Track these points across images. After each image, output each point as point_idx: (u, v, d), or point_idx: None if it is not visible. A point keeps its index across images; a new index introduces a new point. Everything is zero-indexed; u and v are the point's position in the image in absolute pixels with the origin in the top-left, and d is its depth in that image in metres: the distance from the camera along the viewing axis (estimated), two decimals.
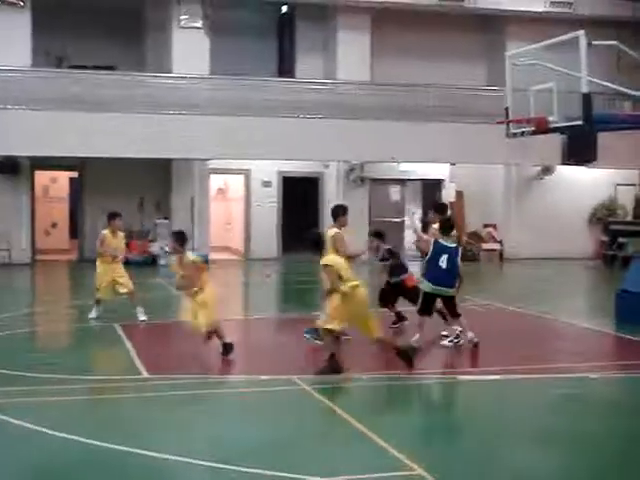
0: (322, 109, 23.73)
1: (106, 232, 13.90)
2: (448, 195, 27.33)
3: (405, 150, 24.19)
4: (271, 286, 21.03)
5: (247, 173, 26.57)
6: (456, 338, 11.46)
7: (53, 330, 13.74)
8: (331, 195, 26.56)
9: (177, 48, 24.29)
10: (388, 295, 13.03)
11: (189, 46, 24.14)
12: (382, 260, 13.07)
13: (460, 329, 11.41)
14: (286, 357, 11.06)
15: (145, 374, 9.72)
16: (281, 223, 26.76)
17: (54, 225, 28.04)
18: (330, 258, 9.67)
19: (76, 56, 24.78)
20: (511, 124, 14.85)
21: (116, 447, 6.90)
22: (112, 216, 14.06)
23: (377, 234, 13.37)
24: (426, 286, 11.21)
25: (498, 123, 15.58)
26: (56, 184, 28.13)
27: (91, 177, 24.98)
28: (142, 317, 13.42)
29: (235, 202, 28.19)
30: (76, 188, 26.51)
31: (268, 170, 26.36)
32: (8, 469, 6.63)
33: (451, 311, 11.26)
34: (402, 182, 27.79)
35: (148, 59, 25.69)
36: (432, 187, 27.70)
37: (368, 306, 9.80)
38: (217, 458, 6.61)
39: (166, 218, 24.85)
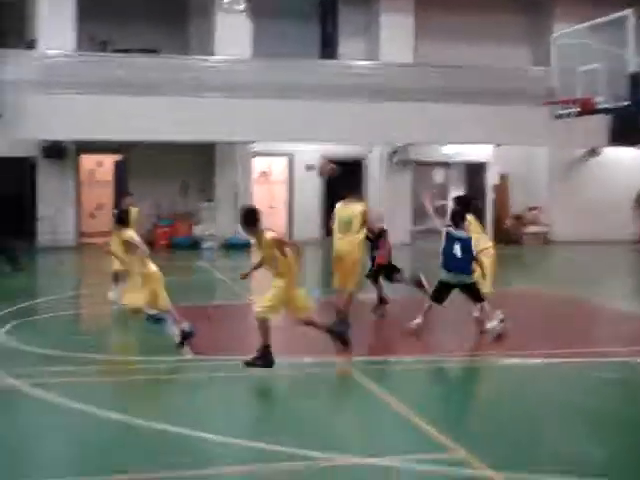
0: (365, 92, 23.64)
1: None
2: (492, 178, 27.12)
3: (448, 132, 24.03)
4: (312, 269, 21.03)
5: (290, 156, 26.58)
6: (501, 322, 11.35)
7: (98, 312, 13.90)
8: (374, 178, 26.53)
9: (220, 31, 24.33)
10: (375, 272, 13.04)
11: (232, 29, 24.18)
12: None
13: (500, 314, 11.30)
14: (328, 339, 11.06)
15: (189, 355, 9.80)
16: (324, 206, 26.73)
17: (99, 208, 28.29)
18: (271, 234, 8.90)
19: (120, 40, 24.94)
20: (557, 105, 14.67)
21: (160, 426, 6.97)
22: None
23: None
24: (442, 275, 11.06)
25: (544, 104, 15.41)
26: (102, 168, 28.36)
27: (136, 160, 25.17)
28: (112, 296, 13.50)
29: (278, 185, 28.23)
30: (120, 171, 26.70)
31: (311, 153, 26.32)
32: (54, 447, 6.74)
33: (474, 297, 11.12)
34: (446, 165, 27.63)
35: (191, 43, 25.78)
36: (476, 169, 27.50)
37: (296, 287, 9.10)
38: (259, 438, 6.64)
39: (210, 201, 24.99)
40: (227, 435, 6.74)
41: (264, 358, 8.86)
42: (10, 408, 7.77)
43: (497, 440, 6.90)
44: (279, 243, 8.85)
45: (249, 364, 8.84)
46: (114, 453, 6.47)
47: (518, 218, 27.26)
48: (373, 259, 12.87)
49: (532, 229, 27.11)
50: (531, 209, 27.40)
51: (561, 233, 26.74)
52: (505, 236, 26.59)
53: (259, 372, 9.27)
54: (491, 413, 7.87)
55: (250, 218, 9.00)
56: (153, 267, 10.12)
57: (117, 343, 10.76)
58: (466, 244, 10.98)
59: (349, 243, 10.93)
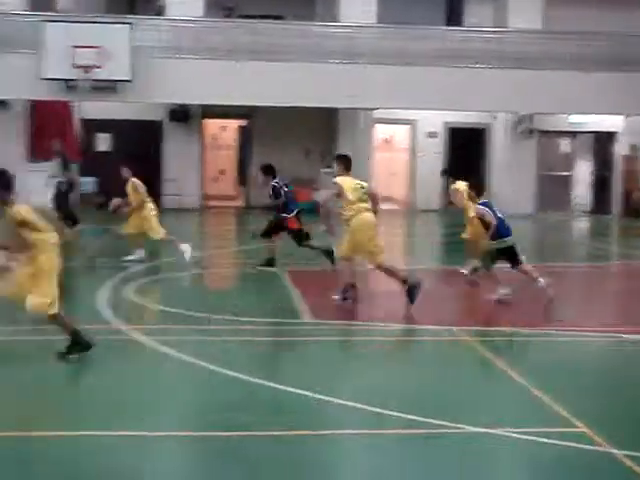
0: (491, 58, 23.15)
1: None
2: (621, 148, 26.25)
3: (577, 101, 23.31)
4: (432, 238, 20.95)
5: (413, 123, 26.40)
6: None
7: (221, 273, 14.20)
8: (498, 147, 26.11)
9: None
10: (273, 229, 13.47)
11: None
12: (274, 198, 13.40)
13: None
14: (446, 308, 11.02)
15: (309, 319, 9.92)
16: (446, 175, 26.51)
17: (222, 172, 28.81)
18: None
19: (245, 6, 25.20)
20: None
21: (278, 386, 7.10)
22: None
23: (266, 169, 13.71)
24: (506, 242, 10.98)
25: None
26: (225, 132, 28.84)
27: (259, 126, 25.49)
28: (130, 257, 13.95)
29: (400, 152, 28.09)
30: (244, 136, 27.11)
31: (434, 120, 26.09)
32: (178, 402, 6.96)
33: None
34: (572, 134, 26.90)
35: (316, 8, 25.79)
36: (604, 140, 26.68)
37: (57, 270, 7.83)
38: (377, 403, 6.67)
39: (330, 167, 25.06)
40: (345, 398, 6.80)
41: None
42: (139, 363, 8.04)
43: (618, 417, 6.73)
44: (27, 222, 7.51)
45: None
46: (235, 410, 6.61)
47: None
48: (278, 219, 13.36)
49: None
50: None
51: None
52: (634, 209, 25.75)
53: (379, 339, 9.32)
54: (611, 389, 7.66)
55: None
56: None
57: (240, 304, 10.96)
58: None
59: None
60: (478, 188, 11.61)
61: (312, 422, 6.44)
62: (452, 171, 13.61)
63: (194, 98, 22.77)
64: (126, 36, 21.23)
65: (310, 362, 8.27)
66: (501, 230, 10.99)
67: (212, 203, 26.12)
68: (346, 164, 10.91)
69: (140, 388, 7.22)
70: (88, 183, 24.21)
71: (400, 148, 28.09)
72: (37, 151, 22.31)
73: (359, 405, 6.66)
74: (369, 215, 10.54)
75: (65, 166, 18.43)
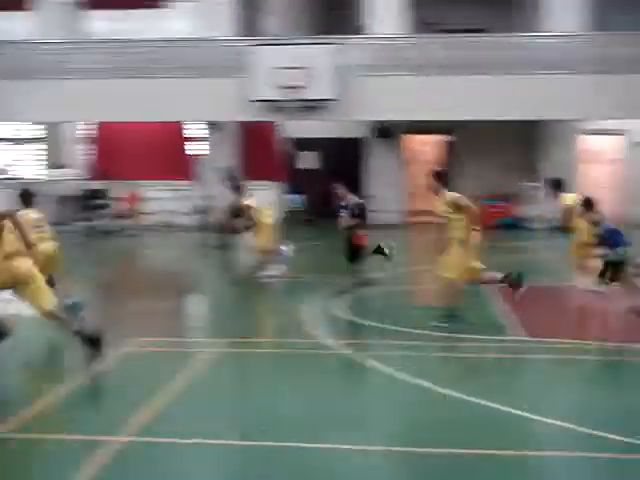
0: None
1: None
2: None
3: None
4: None
5: (624, 133, 25.35)
6: None
7: (426, 289, 14.16)
8: None
9: (549, 5, 23.57)
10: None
11: (562, 1, 23.30)
12: (353, 215, 13.69)
13: None
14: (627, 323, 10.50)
15: (520, 336, 9.72)
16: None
17: (423, 188, 28.75)
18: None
19: (445, 20, 25.18)
20: None
21: (487, 403, 7.03)
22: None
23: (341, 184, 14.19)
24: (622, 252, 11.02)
25: None
26: (425, 148, 28.80)
27: (461, 141, 25.32)
28: (272, 272, 14.42)
29: (608, 164, 27.00)
30: (449, 151, 26.96)
31: None
32: (388, 418, 7.00)
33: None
34: None
35: (516, 19, 25.35)
36: None
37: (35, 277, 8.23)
38: (590, 424, 6.47)
39: (534, 181, 24.47)
40: (556, 418, 6.63)
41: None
42: (347, 378, 8.17)
43: None
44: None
45: None
46: (442, 427, 6.60)
47: None
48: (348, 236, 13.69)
49: None
50: None
51: None
52: None
53: (594, 358, 8.99)
54: None
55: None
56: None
57: (456, 320, 10.82)
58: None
59: None
60: (590, 203, 11.87)
61: (515, 442, 6.32)
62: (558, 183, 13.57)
63: (394, 115, 22.83)
64: (330, 56, 21.71)
65: (522, 380, 8.12)
66: (620, 239, 11.13)
67: (413, 219, 26.12)
68: (444, 180, 10.61)
69: (348, 402, 7.33)
70: (295, 200, 25.19)
71: (608, 159, 27.01)
72: (246, 170, 23.17)
73: (568, 425, 6.48)
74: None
75: (236, 190, 18.97)
